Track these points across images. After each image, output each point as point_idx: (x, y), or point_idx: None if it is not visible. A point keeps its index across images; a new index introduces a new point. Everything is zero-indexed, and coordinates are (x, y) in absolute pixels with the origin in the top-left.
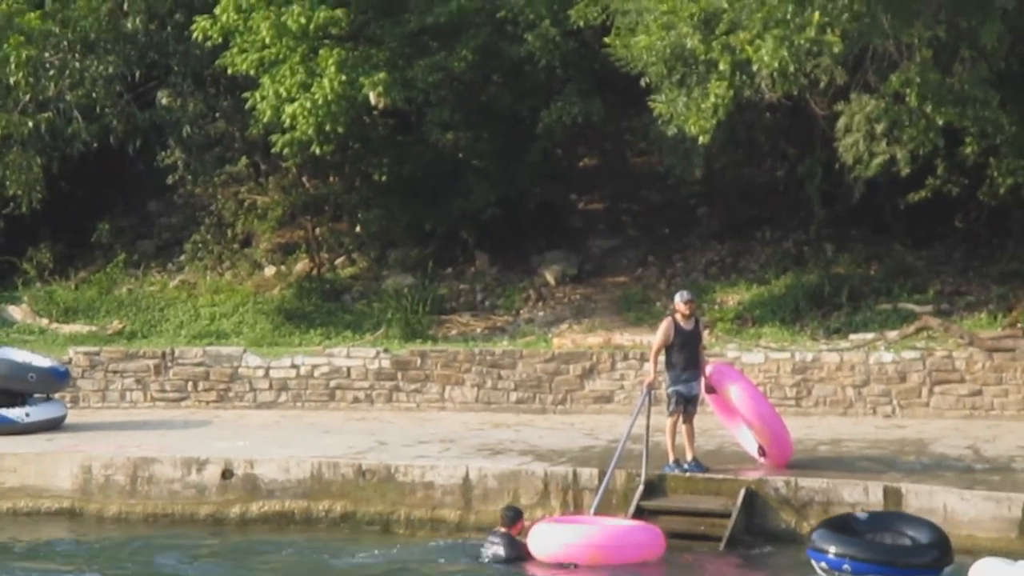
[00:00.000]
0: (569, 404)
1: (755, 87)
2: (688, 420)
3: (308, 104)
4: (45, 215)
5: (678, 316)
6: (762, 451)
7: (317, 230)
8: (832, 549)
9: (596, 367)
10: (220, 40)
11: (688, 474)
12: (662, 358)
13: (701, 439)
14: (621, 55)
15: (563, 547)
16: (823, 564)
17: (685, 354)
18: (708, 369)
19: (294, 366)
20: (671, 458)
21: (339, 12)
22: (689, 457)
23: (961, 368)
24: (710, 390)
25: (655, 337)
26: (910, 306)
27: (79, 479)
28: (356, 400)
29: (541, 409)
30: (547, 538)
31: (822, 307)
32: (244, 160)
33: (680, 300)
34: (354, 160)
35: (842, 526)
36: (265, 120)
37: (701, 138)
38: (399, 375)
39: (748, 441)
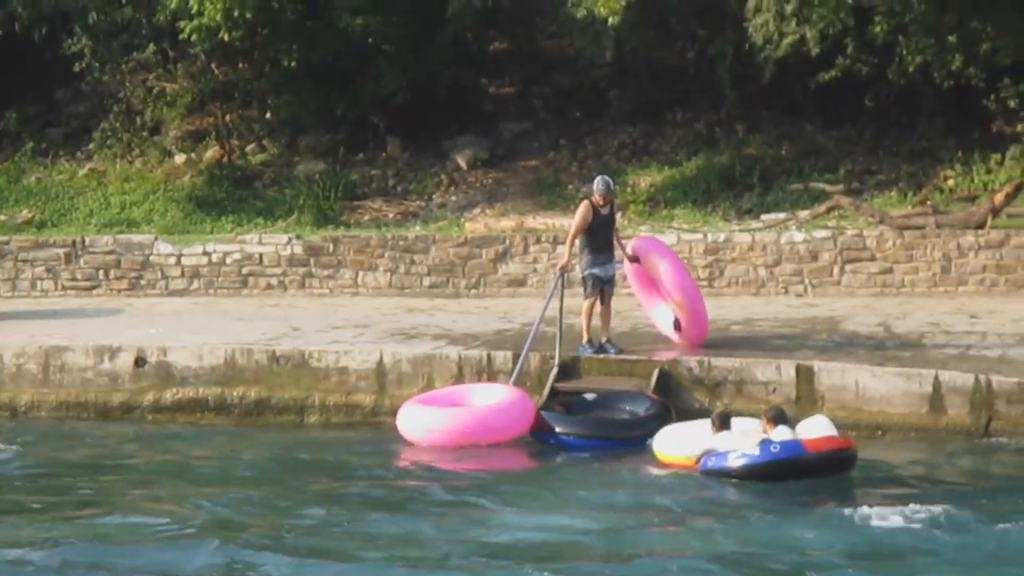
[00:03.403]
0: (482, 288)
1: None
2: (605, 302)
3: None
4: None
5: (595, 199)
6: (677, 325)
7: (227, 117)
8: (550, 427)
9: (509, 251)
10: None
11: (602, 355)
12: (578, 241)
13: (615, 321)
14: None
15: (427, 431)
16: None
17: (601, 237)
18: (634, 241)
19: (206, 253)
20: (585, 338)
21: None
22: (604, 338)
23: (872, 246)
24: (634, 260)
25: (573, 220)
26: (821, 185)
27: None
28: (269, 286)
29: (455, 293)
30: (413, 420)
31: (734, 188)
32: (152, 47)
33: (603, 189)
34: (263, 46)
35: (569, 407)
36: (172, 6)
37: (611, 19)
38: (312, 261)
39: (663, 318)
